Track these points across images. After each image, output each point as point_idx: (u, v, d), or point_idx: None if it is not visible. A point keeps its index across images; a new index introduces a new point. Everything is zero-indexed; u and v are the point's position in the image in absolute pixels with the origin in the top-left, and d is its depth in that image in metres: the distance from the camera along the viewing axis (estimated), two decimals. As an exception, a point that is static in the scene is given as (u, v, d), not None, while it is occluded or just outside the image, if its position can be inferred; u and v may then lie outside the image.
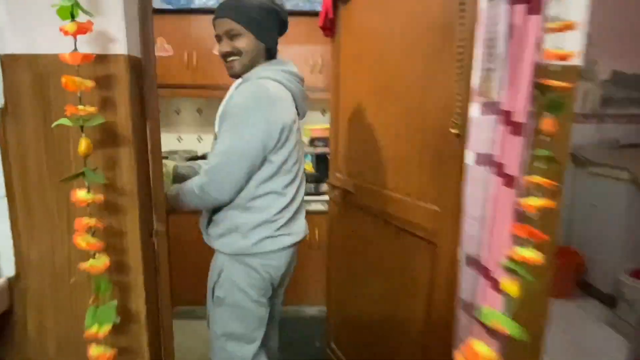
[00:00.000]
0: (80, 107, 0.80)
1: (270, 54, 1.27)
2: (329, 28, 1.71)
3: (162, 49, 2.42)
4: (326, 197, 2.30)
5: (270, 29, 1.23)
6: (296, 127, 1.26)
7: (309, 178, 2.44)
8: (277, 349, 1.54)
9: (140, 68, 0.95)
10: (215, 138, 1.21)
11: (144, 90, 0.96)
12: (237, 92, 1.15)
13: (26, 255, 0.98)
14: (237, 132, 1.12)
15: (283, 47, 2.49)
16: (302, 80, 1.31)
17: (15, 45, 0.88)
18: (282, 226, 1.24)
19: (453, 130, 1.09)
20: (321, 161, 2.49)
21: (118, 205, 0.95)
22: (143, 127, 0.98)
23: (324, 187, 2.38)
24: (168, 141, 2.85)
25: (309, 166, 2.56)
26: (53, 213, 0.95)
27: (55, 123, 0.79)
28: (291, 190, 1.27)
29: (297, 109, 1.27)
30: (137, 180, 0.94)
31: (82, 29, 0.78)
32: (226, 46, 1.19)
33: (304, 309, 2.54)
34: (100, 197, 0.85)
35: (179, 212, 1.78)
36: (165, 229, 1.05)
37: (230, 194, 1.17)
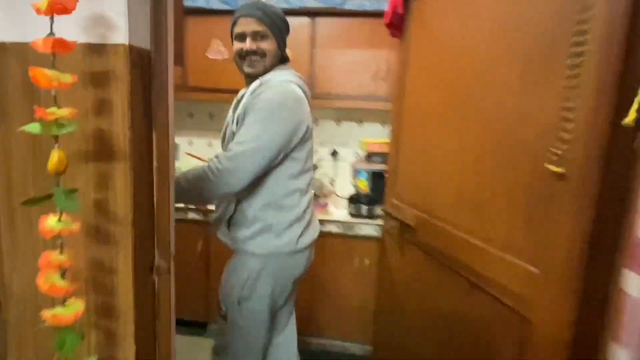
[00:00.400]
0: (52, 109, 0.60)
1: (283, 60, 1.33)
2: (397, 26, 1.44)
3: (218, 51, 2.30)
4: (379, 221, 2.00)
5: (286, 36, 1.30)
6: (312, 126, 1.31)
7: (362, 198, 2.16)
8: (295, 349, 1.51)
9: (148, 63, 0.75)
10: (225, 135, 1.29)
11: (151, 91, 0.76)
12: (269, 90, 1.17)
13: (8, 285, 0.81)
14: (267, 125, 1.13)
15: (344, 51, 2.19)
16: (306, 83, 1.38)
17: (4, 33, 0.73)
18: (308, 223, 1.30)
19: (555, 168, 0.77)
20: (377, 180, 2.20)
21: (108, 235, 0.75)
22: (148, 139, 0.77)
23: (378, 209, 2.08)
24: (199, 147, 2.75)
25: (363, 184, 2.28)
26: (38, 237, 0.78)
27: (21, 129, 0.61)
28: (311, 188, 1.35)
29: None
30: (132, 204, 0.73)
31: (60, 7, 0.59)
32: (252, 45, 1.22)
33: (347, 346, 2.24)
34: (74, 226, 0.65)
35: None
36: (168, 265, 0.84)
37: (245, 184, 1.16)
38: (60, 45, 0.60)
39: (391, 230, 1.48)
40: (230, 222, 1.27)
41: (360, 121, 2.57)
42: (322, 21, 2.20)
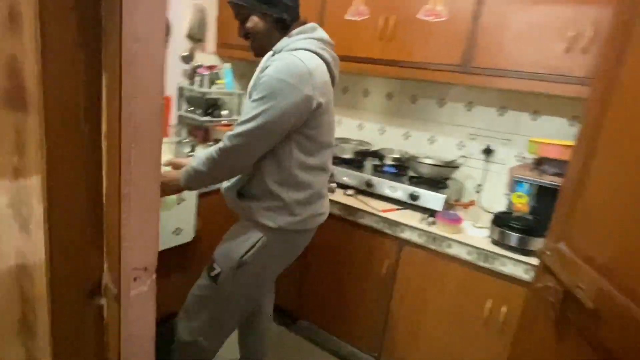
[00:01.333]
0: None
1: (285, 24, 1.21)
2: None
3: (356, 11, 1.92)
4: (534, 261, 1.35)
5: (264, 1, 1.17)
6: (332, 97, 1.25)
7: (515, 222, 1.51)
8: (271, 314, 1.70)
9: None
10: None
11: (98, 6, 0.44)
12: (273, 64, 1.09)
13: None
14: (267, 104, 1.07)
15: (525, 6, 1.60)
16: (332, 46, 1.28)
17: None
18: (322, 203, 1.32)
19: None
20: (545, 199, 1.51)
21: (17, 225, 0.48)
22: (87, 83, 0.46)
23: (536, 244, 1.41)
24: (348, 128, 2.40)
25: (521, 201, 1.61)
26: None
27: None
28: (331, 166, 1.36)
29: (331, 78, 1.26)
30: (45, 188, 0.45)
31: None
32: (240, 30, 1.23)
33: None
34: None
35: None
36: (117, 289, 0.53)
37: (250, 163, 1.16)
38: None
39: (544, 294, 0.88)
40: (241, 192, 1.26)
41: (534, 111, 1.84)
42: (499, -35, 1.57)
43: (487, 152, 1.94)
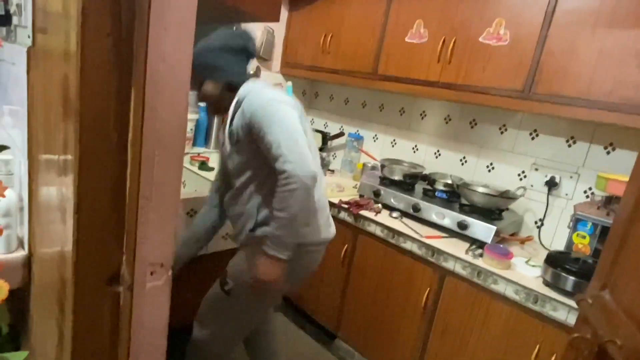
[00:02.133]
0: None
1: (233, 85, 1.26)
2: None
3: (417, 34, 1.91)
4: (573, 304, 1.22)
5: (225, 65, 1.25)
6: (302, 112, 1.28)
7: (572, 264, 1.36)
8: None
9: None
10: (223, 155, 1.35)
11: (133, 27, 0.52)
12: (249, 101, 1.17)
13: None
14: (279, 119, 1.12)
15: (595, 29, 1.48)
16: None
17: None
18: (326, 214, 1.35)
19: None
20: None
21: (61, 216, 0.57)
22: (119, 96, 0.54)
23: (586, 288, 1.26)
24: (402, 149, 2.37)
25: (583, 241, 1.46)
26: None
27: None
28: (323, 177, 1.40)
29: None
30: (79, 184, 0.52)
31: None
32: (198, 95, 1.29)
33: None
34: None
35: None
36: (131, 280, 0.60)
37: (314, 165, 1.13)
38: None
39: (579, 345, 0.78)
40: (255, 228, 1.26)
41: (609, 145, 1.67)
42: (571, -12, 1.47)
43: (551, 184, 1.79)
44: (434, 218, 1.79)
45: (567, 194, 1.77)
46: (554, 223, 1.81)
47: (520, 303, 1.40)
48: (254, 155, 1.21)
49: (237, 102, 1.23)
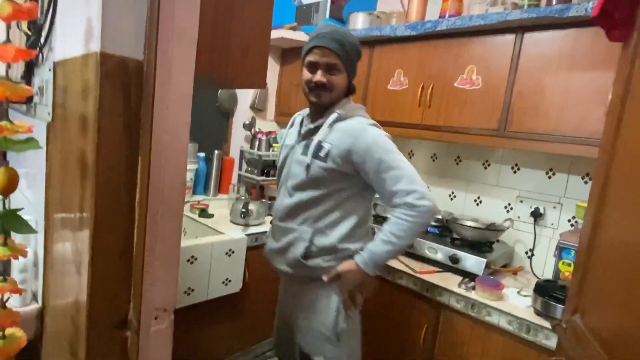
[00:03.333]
0: (4, 123, 0.54)
1: (349, 91, 1.34)
2: (622, 21, 0.83)
3: (397, 82, 2.07)
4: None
5: (356, 68, 1.31)
6: None
7: (559, 291, 1.41)
8: None
9: (137, 76, 0.62)
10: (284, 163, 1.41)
11: (140, 107, 0.63)
12: (356, 133, 1.22)
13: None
14: (400, 156, 1.22)
15: (559, 73, 1.61)
16: None
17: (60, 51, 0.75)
18: None
19: None
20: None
21: (70, 272, 0.65)
22: (129, 164, 0.64)
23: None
24: None
25: (569, 269, 1.51)
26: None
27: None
28: None
29: None
30: (93, 237, 0.61)
31: (20, 14, 0.52)
32: (322, 78, 1.24)
33: None
34: (20, 252, 0.57)
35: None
36: (137, 325, 0.67)
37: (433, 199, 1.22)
38: (15, 53, 0.54)
39: (558, 370, 0.84)
40: (306, 255, 1.27)
41: (585, 175, 1.77)
42: (531, 37, 1.63)
43: (536, 215, 1.87)
44: (427, 253, 1.85)
45: (552, 224, 1.85)
46: (543, 252, 1.86)
47: (514, 333, 1.44)
48: (340, 181, 1.24)
49: (337, 117, 1.24)
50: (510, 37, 1.68)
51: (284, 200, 1.34)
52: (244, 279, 2.01)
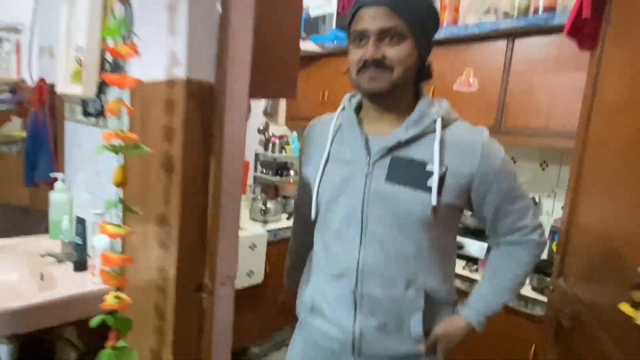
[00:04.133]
0: (118, 131, 0.72)
1: (422, 76, 0.88)
2: (589, 35, 1.02)
3: (466, 82, 2.17)
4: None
5: (432, 36, 0.85)
6: None
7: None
8: None
9: (210, 95, 0.80)
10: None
11: (212, 119, 0.81)
12: (487, 146, 0.84)
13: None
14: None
15: (547, 75, 1.79)
16: None
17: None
18: None
19: None
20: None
21: (161, 247, 0.83)
22: (205, 163, 0.82)
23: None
24: None
25: (563, 250, 1.69)
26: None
27: (98, 149, 0.76)
28: None
29: None
30: (180, 221, 0.79)
31: (133, 53, 0.71)
32: (376, 52, 0.77)
33: None
34: (126, 230, 0.75)
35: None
36: (212, 288, 0.85)
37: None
38: (125, 81, 0.72)
39: (547, 325, 1.02)
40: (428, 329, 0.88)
41: (575, 166, 1.95)
42: (521, 43, 1.82)
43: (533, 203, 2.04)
44: (433, 241, 2.03)
45: (547, 212, 2.02)
46: (539, 238, 2.04)
47: (514, 308, 1.61)
48: (448, 224, 0.88)
49: (445, 119, 0.84)
50: (502, 43, 1.87)
51: (368, 253, 0.84)
52: (265, 271, 2.19)
